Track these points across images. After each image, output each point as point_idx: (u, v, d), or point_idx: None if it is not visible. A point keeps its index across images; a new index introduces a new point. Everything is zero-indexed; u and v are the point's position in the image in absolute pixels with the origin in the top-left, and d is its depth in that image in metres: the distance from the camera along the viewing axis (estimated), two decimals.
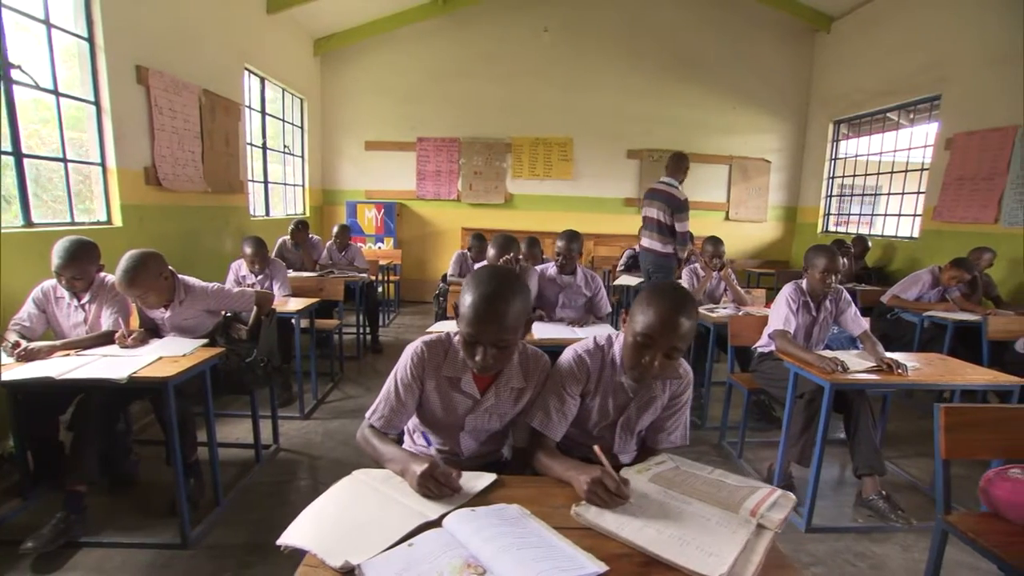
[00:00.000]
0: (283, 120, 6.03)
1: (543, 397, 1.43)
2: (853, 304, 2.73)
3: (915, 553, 2.20)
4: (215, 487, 2.38)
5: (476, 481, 1.21)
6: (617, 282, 4.87)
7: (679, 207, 4.16)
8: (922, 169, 5.41)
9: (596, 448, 1.17)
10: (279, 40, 5.62)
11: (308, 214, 6.69)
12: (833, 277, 2.60)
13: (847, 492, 2.67)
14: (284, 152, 6.13)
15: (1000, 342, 3.43)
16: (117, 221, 3.40)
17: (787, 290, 2.70)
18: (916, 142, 5.63)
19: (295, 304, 3.45)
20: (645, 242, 4.37)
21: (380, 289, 5.95)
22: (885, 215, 6.13)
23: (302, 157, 6.57)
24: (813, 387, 2.35)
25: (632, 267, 5.07)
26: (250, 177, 5.27)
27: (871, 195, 6.39)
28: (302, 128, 6.53)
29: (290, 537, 1.01)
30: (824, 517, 2.44)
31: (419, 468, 1.14)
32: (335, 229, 4.98)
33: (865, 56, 6.09)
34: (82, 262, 2.31)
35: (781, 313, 2.64)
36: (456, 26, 6.71)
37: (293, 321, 3.35)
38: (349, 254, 4.97)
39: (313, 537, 1.01)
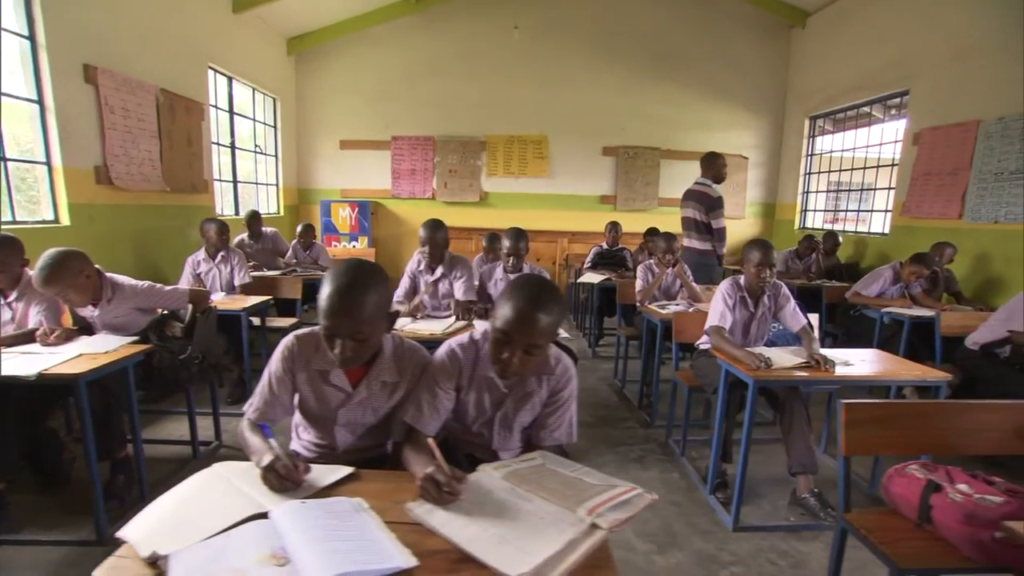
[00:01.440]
0: (254, 120, 6.02)
1: (416, 391, 1.43)
2: (792, 299, 2.70)
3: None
4: (140, 483, 2.38)
5: (329, 475, 1.21)
6: (581, 279, 4.84)
7: (712, 205, 4.13)
8: (892, 165, 5.37)
9: (430, 441, 1.16)
10: (247, 39, 5.61)
11: (283, 213, 6.69)
12: (768, 271, 2.57)
13: (787, 491, 2.64)
14: (256, 152, 6.12)
15: (955, 338, 3.40)
16: (65, 220, 3.40)
17: (724, 286, 2.67)
18: (892, 137, 5.59)
19: (243, 302, 3.43)
20: (685, 242, 4.37)
21: None
22: (859, 211, 6.10)
23: (275, 157, 6.57)
24: (734, 381, 2.33)
25: (598, 264, 5.04)
26: (217, 177, 5.27)
27: (845, 191, 6.34)
28: (275, 127, 6.52)
29: (126, 529, 1.01)
30: (756, 516, 2.42)
31: (265, 461, 1.15)
32: (299, 228, 4.97)
33: (838, 51, 6.06)
34: (1, 255, 2.31)
35: (717, 309, 2.62)
36: (429, 24, 6.69)
37: (246, 318, 3.34)
38: (313, 252, 4.96)
39: (140, 528, 1.01)
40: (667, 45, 6.79)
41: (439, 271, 2.98)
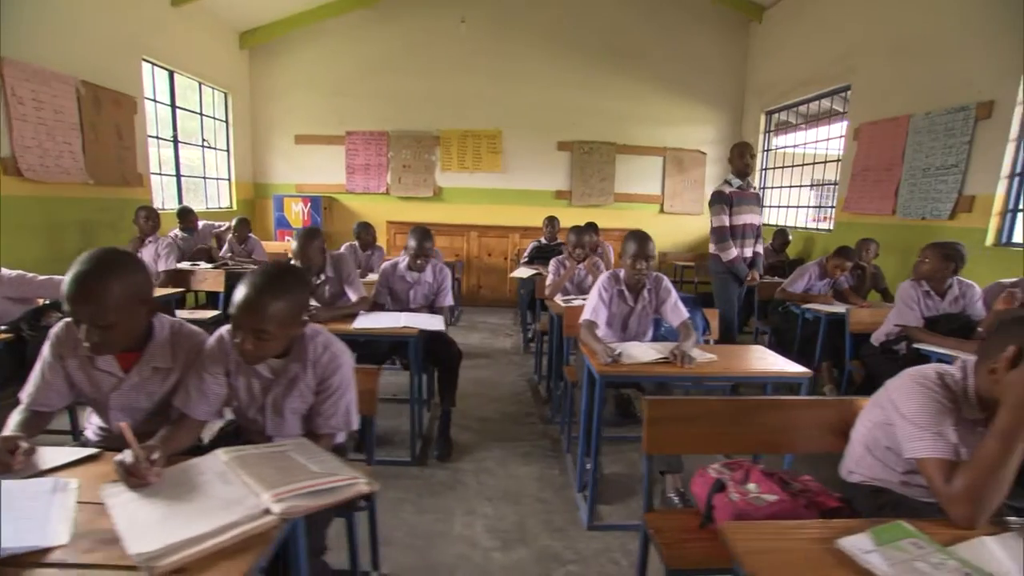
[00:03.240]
0: (201, 114, 5.99)
1: (186, 376, 1.45)
2: (674, 293, 2.64)
3: None
4: None
5: (59, 457, 1.25)
6: (512, 274, 4.80)
7: (710, 201, 3.79)
8: (838, 160, 5.30)
9: (122, 425, 1.15)
10: (191, 33, 5.57)
11: (236, 207, 6.68)
12: (644, 263, 2.52)
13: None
14: (203, 146, 6.10)
15: (866, 335, 3.33)
16: None
17: (601, 279, 2.63)
18: (840, 133, 5.51)
19: None
20: None
21: None
22: (808, 207, 6.03)
23: (227, 151, 6.54)
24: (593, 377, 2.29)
25: (535, 259, 4.99)
26: (156, 170, 5.26)
27: (797, 187, 6.25)
28: (227, 122, 6.49)
29: None
30: (621, 514, 2.37)
31: None
32: (233, 222, 4.96)
33: (790, 45, 5.99)
34: None
35: (591, 303, 2.58)
36: (383, 18, 6.64)
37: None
38: (248, 246, 4.95)
39: None
40: (623, 39, 6.72)
41: (323, 276, 2.99)
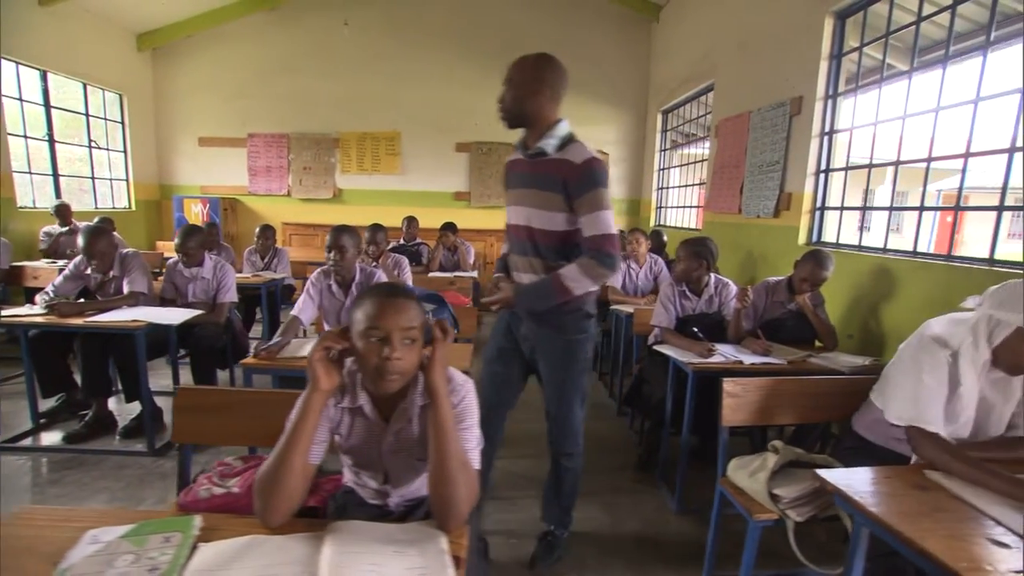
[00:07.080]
0: (87, 114, 6.01)
1: None
2: None
3: None
4: None
5: None
6: None
7: None
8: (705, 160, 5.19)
9: None
10: (68, 32, 5.56)
11: (135, 208, 6.69)
12: (337, 254, 2.45)
13: None
14: (91, 147, 6.11)
15: None
16: None
17: (311, 276, 2.56)
18: None
19: None
20: None
21: None
22: (684, 207, 5.89)
23: (124, 152, 6.56)
24: None
25: None
26: (25, 169, 5.29)
27: (690, 186, 6.12)
28: (122, 123, 6.51)
29: None
30: None
31: None
32: (95, 220, 4.95)
33: (676, 45, 5.93)
34: None
35: (299, 300, 2.51)
36: (284, 21, 6.65)
37: None
38: None
39: None
40: (522, 39, 6.63)
41: (112, 272, 3.04)
